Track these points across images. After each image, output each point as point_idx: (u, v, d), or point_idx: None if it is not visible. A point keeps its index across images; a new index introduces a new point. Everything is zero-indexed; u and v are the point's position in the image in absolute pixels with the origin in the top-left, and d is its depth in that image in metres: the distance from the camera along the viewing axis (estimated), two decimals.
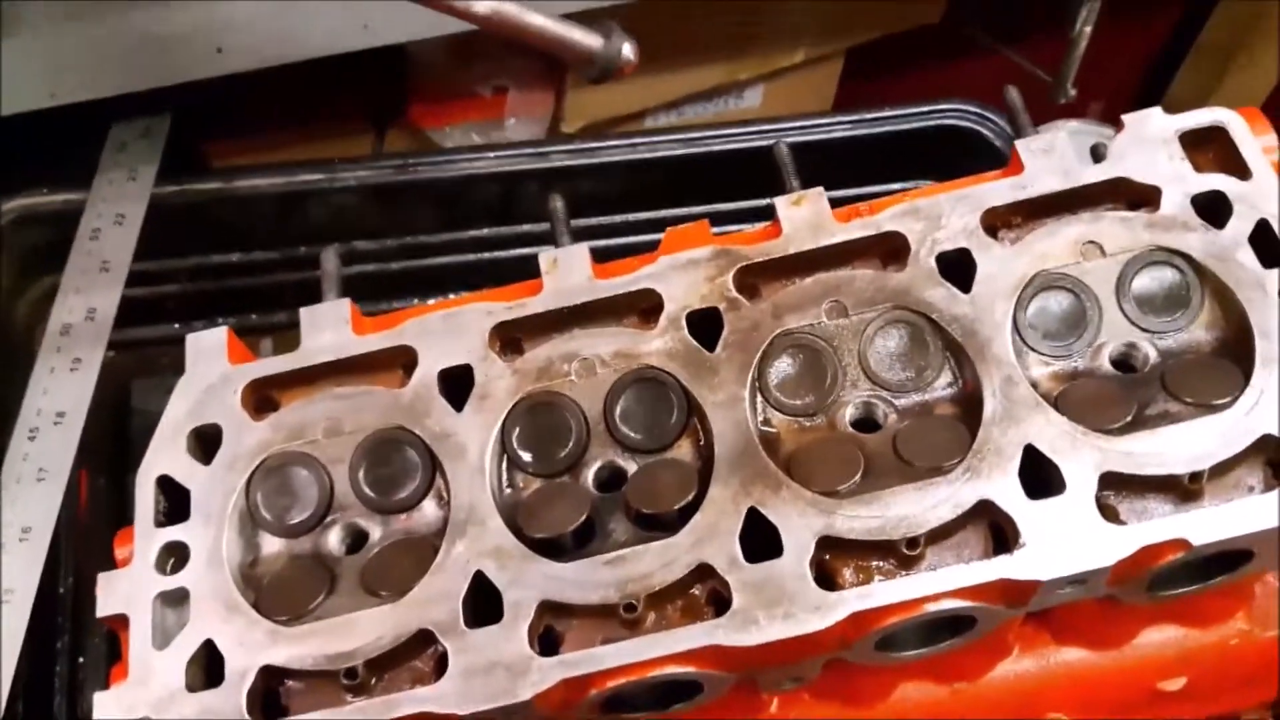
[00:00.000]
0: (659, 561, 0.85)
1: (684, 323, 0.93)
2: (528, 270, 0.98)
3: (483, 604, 0.86)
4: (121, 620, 0.88)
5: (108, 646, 1.28)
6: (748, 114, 2.14)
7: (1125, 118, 0.98)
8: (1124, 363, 0.94)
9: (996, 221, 0.96)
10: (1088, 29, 1.72)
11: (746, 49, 2.01)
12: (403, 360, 0.95)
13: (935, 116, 1.56)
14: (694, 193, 1.55)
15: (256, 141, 1.85)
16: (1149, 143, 0.96)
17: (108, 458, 1.46)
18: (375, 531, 0.93)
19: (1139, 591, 0.90)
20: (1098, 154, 0.98)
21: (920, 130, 1.57)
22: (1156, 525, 0.84)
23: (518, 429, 0.93)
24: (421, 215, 1.59)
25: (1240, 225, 0.92)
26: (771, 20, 1.98)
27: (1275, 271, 0.91)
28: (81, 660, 1.30)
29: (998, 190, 0.95)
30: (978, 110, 1.56)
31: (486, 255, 1.60)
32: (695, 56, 1.97)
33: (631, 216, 1.58)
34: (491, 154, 1.55)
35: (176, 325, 1.58)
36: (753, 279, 0.96)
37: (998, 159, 1.49)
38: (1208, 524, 0.84)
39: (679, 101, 2.07)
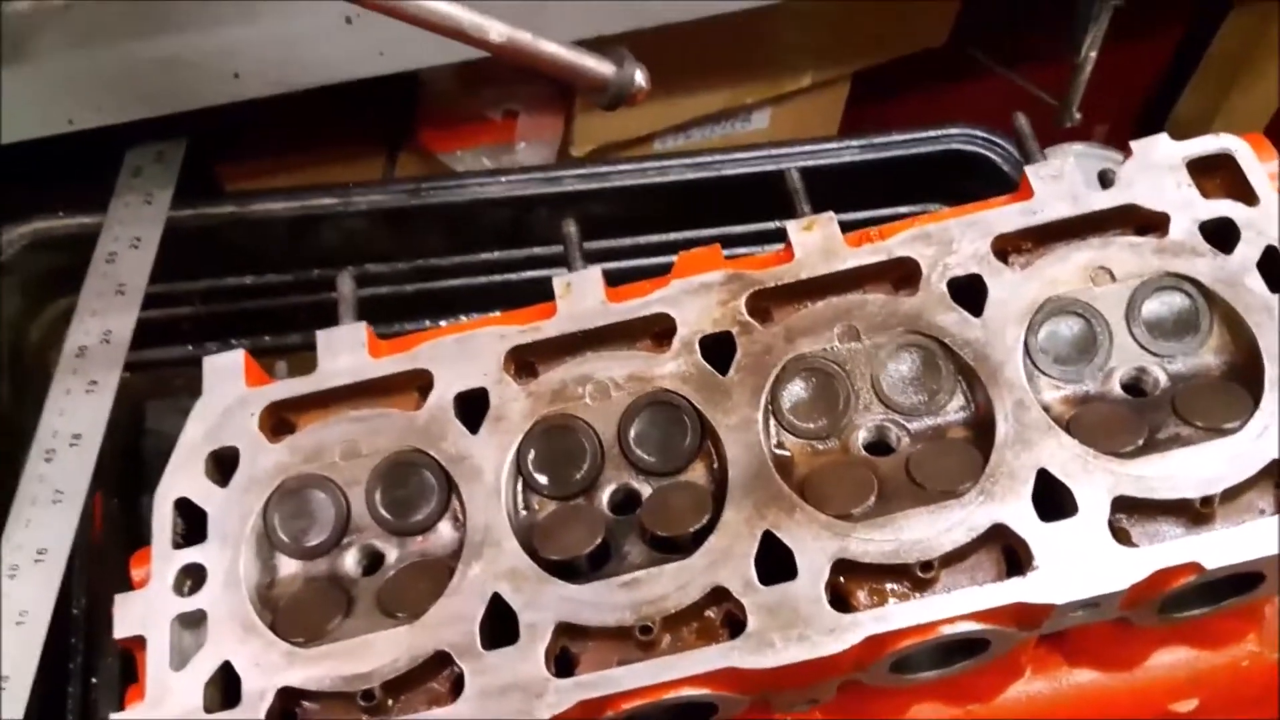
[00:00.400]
0: (674, 584, 0.86)
1: (697, 346, 0.94)
2: (539, 292, 0.99)
3: (499, 626, 0.86)
4: (138, 641, 0.89)
5: (121, 667, 1.28)
6: (755, 137, 2.15)
7: (1133, 144, 0.99)
8: (1135, 387, 0.95)
9: (1007, 247, 0.97)
10: (1093, 54, 1.72)
11: (754, 73, 2.03)
12: (418, 383, 0.96)
13: (943, 141, 1.57)
14: (704, 215, 1.56)
15: (267, 164, 1.86)
16: (1156, 169, 0.97)
17: (121, 478, 1.46)
18: (391, 553, 0.94)
19: (1151, 614, 0.90)
20: (1105, 179, 0.99)
21: (929, 155, 1.57)
22: (1169, 548, 0.85)
23: (533, 451, 0.93)
24: (433, 238, 1.60)
25: (1248, 251, 0.93)
26: (779, 44, 1.99)
27: None
28: (94, 681, 1.30)
29: (1008, 216, 0.97)
30: (985, 135, 1.57)
31: (498, 277, 1.61)
32: (703, 80, 1.98)
33: (642, 239, 1.59)
34: (503, 178, 1.56)
35: (190, 347, 1.59)
36: (765, 303, 0.97)
37: (1005, 183, 1.51)
38: (1219, 547, 0.85)
39: (687, 125, 2.08)
